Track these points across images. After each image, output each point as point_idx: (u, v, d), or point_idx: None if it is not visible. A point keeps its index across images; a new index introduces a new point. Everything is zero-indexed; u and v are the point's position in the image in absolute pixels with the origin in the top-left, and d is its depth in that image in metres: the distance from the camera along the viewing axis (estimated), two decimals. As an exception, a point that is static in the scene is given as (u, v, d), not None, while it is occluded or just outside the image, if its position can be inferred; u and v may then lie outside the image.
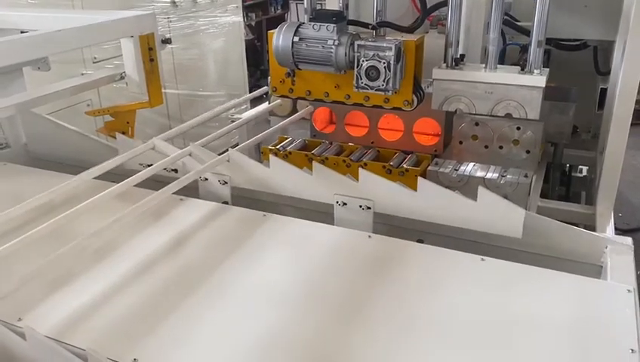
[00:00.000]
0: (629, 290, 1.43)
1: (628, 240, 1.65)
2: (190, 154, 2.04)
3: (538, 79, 1.99)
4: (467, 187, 2.14)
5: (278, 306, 1.44)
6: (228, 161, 1.99)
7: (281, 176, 1.93)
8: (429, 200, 1.74)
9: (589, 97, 2.84)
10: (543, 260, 1.64)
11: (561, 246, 1.66)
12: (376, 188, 1.80)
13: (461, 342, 1.32)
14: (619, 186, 2.20)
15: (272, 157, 1.97)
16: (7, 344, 1.24)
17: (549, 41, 2.66)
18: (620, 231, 4.03)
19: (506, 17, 2.50)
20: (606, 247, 1.63)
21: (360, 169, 1.84)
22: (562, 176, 3.11)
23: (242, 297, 1.48)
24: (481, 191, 1.66)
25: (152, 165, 1.94)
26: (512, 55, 2.76)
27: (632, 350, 1.24)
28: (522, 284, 1.52)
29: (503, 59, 2.65)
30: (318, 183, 1.88)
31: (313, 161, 1.90)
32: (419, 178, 1.76)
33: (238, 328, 1.36)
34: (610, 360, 1.24)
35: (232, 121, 2.97)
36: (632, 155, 4.86)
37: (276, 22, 6.47)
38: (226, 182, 1.99)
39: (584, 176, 3.35)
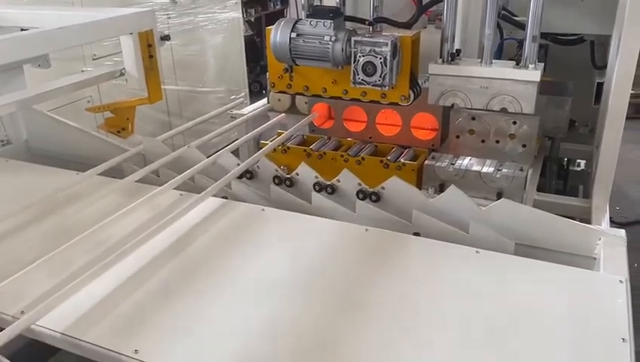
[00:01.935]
0: (621, 281, 1.46)
1: (621, 232, 1.67)
2: (192, 180, 2.06)
3: (533, 74, 2.01)
4: (464, 181, 2.16)
5: (277, 298, 1.47)
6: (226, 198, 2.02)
7: (280, 204, 1.96)
8: (422, 230, 1.77)
9: (586, 91, 2.85)
10: (538, 252, 1.67)
11: (555, 239, 1.68)
12: (372, 218, 1.83)
13: (457, 332, 1.34)
14: (617, 180, 2.21)
15: (272, 186, 1.99)
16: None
17: (546, 35, 2.68)
18: (617, 224, 4.05)
19: (503, 12, 2.52)
20: (599, 239, 1.65)
21: (357, 201, 1.86)
22: (560, 169, 3.12)
23: (241, 290, 1.50)
24: (473, 224, 1.69)
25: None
26: (511, 50, 2.78)
27: (624, 339, 1.27)
28: (516, 276, 1.54)
29: (500, 54, 2.66)
30: (316, 213, 1.90)
31: (312, 192, 1.92)
32: (413, 211, 1.78)
33: (237, 320, 1.39)
34: (603, 349, 1.27)
35: (232, 117, 3.00)
36: (630, 149, 4.87)
37: (275, 17, 6.47)
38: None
39: (582, 169, 3.36)
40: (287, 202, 1.97)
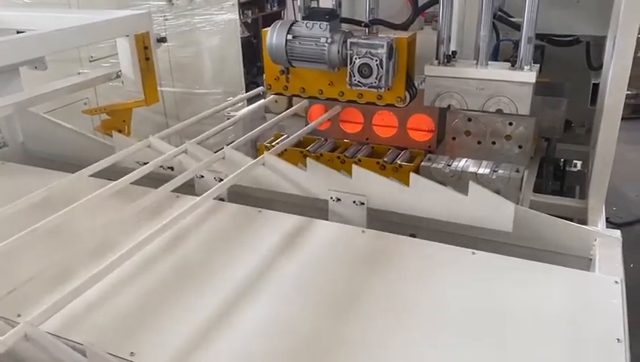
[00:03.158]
0: (616, 282, 1.46)
1: (616, 233, 1.68)
2: (186, 152, 2.07)
3: (528, 75, 2.01)
4: (460, 182, 2.16)
5: (274, 300, 1.47)
6: (223, 158, 2.02)
7: (276, 173, 1.96)
8: (421, 195, 1.77)
9: (582, 92, 2.86)
10: (533, 253, 1.67)
11: (551, 240, 1.68)
12: (370, 184, 1.83)
13: (453, 333, 1.34)
14: (613, 180, 2.22)
15: (266, 154, 2.00)
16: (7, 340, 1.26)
17: (542, 36, 2.69)
18: (614, 224, 4.06)
19: (499, 13, 2.52)
20: (595, 240, 1.66)
21: (353, 165, 1.87)
22: (557, 170, 3.13)
23: (238, 292, 1.50)
24: (472, 185, 1.69)
25: (148, 163, 1.97)
26: (508, 51, 2.78)
27: (618, 339, 1.28)
28: (512, 277, 1.55)
29: (497, 55, 2.67)
30: (312, 179, 1.91)
31: (307, 158, 1.93)
32: (411, 174, 1.79)
33: (233, 322, 1.39)
34: (598, 350, 1.27)
35: (229, 119, 3.00)
36: (627, 150, 4.88)
37: (272, 19, 6.46)
38: (222, 180, 2.02)
39: (578, 170, 3.37)
40: (282, 168, 1.97)
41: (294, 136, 2.41)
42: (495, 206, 1.67)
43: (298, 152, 2.53)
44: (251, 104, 3.09)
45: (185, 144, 2.07)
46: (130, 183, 1.95)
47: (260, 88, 3.04)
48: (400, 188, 1.80)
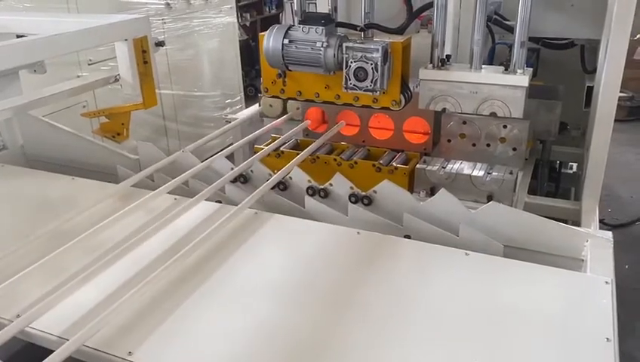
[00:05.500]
0: (606, 282, 1.48)
1: (608, 234, 1.70)
2: None
3: (521, 79, 2.04)
4: (454, 184, 2.19)
5: (271, 300, 1.49)
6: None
7: (273, 208, 1.99)
8: (413, 233, 1.80)
9: (578, 95, 2.89)
10: (526, 254, 1.69)
11: (543, 241, 1.70)
12: (364, 221, 1.86)
13: (447, 333, 1.37)
14: (609, 182, 2.24)
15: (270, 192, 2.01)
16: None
17: (537, 40, 2.71)
18: (609, 226, 4.08)
19: (495, 17, 2.55)
20: (587, 241, 1.68)
21: (349, 205, 1.90)
22: (552, 172, 3.15)
23: (235, 292, 1.52)
24: (462, 227, 1.72)
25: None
26: (504, 54, 2.80)
27: (608, 339, 1.30)
28: (505, 278, 1.57)
29: (492, 58, 2.69)
30: (308, 216, 1.94)
31: (305, 196, 1.95)
32: (404, 214, 1.81)
33: (231, 322, 1.41)
34: (587, 349, 1.30)
35: (227, 121, 3.03)
36: (622, 152, 4.87)
37: (271, 22, 6.50)
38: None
39: (573, 172, 3.40)
40: (280, 206, 1.99)
41: (288, 166, 2.35)
42: (485, 246, 1.69)
43: (295, 154, 2.54)
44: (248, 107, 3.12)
45: (189, 180, 2.07)
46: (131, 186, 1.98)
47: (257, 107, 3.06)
48: (395, 227, 1.83)
